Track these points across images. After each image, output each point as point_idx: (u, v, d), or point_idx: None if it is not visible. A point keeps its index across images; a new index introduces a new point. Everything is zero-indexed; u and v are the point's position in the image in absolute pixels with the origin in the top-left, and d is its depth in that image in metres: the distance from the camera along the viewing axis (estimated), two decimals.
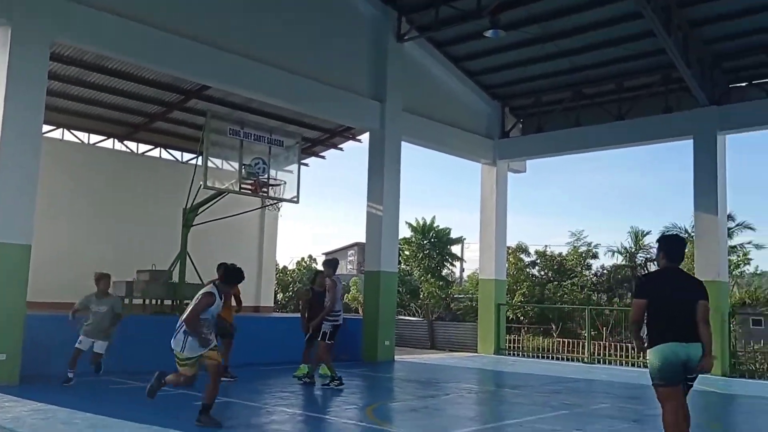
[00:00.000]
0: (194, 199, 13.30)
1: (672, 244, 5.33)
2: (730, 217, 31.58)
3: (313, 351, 9.95)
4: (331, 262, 10.38)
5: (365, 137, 16.11)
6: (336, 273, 10.08)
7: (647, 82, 15.31)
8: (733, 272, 29.00)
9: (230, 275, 6.90)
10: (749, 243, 33.03)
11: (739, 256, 30.54)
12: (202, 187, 12.63)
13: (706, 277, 13.97)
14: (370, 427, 7.18)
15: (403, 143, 15.07)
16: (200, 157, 13.41)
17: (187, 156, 20.52)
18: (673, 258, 5.24)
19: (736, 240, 32.63)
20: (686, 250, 5.45)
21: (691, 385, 5.06)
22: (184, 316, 6.54)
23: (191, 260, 13.23)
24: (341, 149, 21.10)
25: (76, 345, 9.02)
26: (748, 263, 31.42)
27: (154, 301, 13.48)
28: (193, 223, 13.52)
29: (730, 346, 15.16)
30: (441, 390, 10.06)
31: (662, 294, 5.10)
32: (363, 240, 15.16)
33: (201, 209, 13.45)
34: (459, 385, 11.03)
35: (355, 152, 33.95)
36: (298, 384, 9.78)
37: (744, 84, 14.41)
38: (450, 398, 9.06)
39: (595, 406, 9.27)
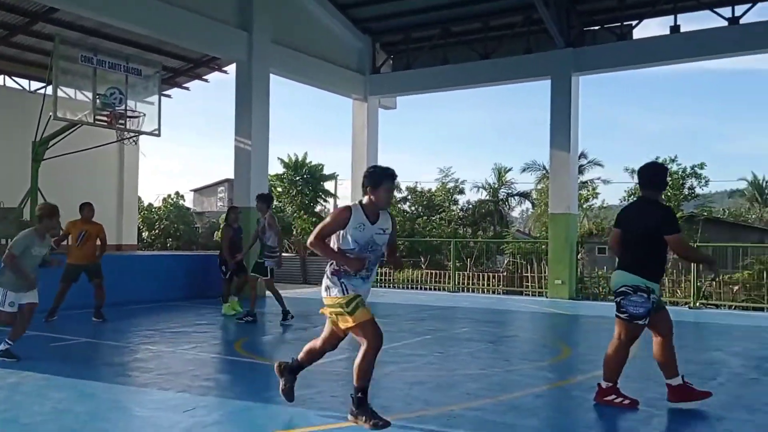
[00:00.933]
0: (44, 131, 12.35)
1: (640, 171, 5.22)
2: (582, 155, 34.01)
3: (233, 288, 10.87)
4: (265, 197, 10.12)
5: (232, 69, 15.53)
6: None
7: (511, 22, 15.81)
8: (583, 206, 31.40)
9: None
10: (598, 179, 35.83)
11: (588, 191, 33.03)
12: (52, 118, 11.74)
13: (559, 210, 15.07)
14: (238, 360, 7.23)
15: (272, 76, 14.70)
16: (50, 86, 12.41)
17: (35, 85, 19.00)
18: (641, 184, 5.17)
19: (586, 176, 35.27)
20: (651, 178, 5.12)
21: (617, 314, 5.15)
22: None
23: (42, 196, 12.38)
24: (207, 81, 20.26)
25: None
26: (597, 197, 34.12)
27: (3, 241, 12.56)
28: (44, 157, 12.61)
29: (578, 272, 16.49)
30: (312, 323, 10.25)
31: (624, 224, 5.19)
32: (232, 176, 14.84)
33: (52, 142, 12.54)
34: None
35: (223, 84, 32.73)
36: (208, 323, 9.79)
37: (597, 27, 15.27)
38: (320, 330, 9.27)
39: (457, 330, 9.86)
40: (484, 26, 16.17)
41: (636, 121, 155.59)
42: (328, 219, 4.63)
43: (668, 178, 5.42)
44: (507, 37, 15.86)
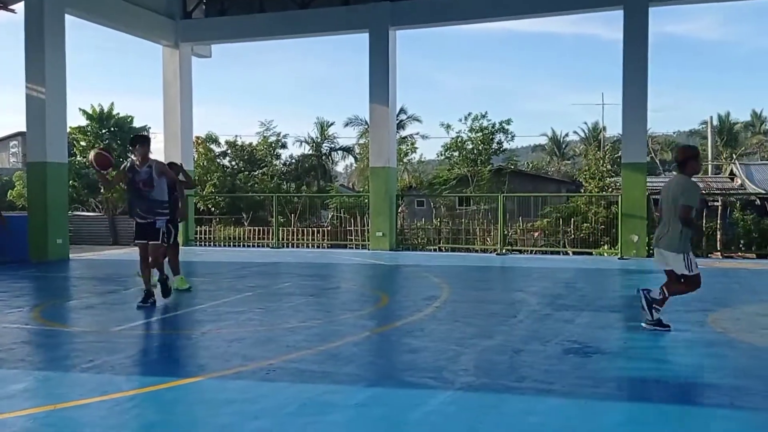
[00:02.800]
0: None
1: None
2: (401, 110, 35.06)
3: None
4: (142, 138, 7.97)
5: (20, 8, 13.77)
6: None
7: None
8: (403, 160, 32.50)
9: None
10: (417, 134, 37.19)
11: (408, 146, 34.19)
12: None
13: (379, 163, 15.38)
14: (37, 328, 6.58)
15: (70, 18, 13.28)
16: None
17: None
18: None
19: (407, 131, 36.48)
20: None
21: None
22: None
23: None
24: None
25: None
26: (415, 151, 35.44)
27: None
28: None
29: (398, 224, 17.08)
30: (122, 285, 9.62)
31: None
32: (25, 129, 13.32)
33: None
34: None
35: (12, 25, 29.12)
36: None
37: None
38: (131, 292, 8.72)
39: (278, 286, 9.78)
40: None
41: (451, 79, 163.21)
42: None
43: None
44: None
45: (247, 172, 33.90)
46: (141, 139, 7.71)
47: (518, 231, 22.86)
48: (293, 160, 37.89)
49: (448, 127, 30.48)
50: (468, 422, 3.79)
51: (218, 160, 33.95)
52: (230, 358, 5.18)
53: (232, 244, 21.16)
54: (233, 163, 35.23)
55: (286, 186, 34.88)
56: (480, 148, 29.79)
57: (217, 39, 17.16)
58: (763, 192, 26.08)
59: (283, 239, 19.41)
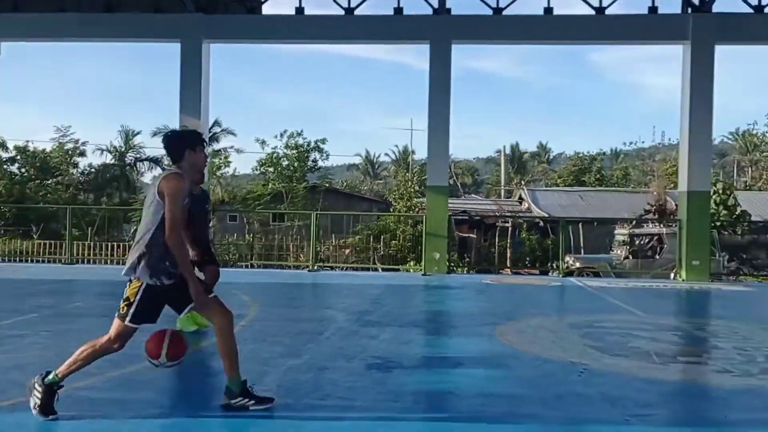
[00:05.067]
0: None
1: None
2: (216, 123, 34.15)
3: None
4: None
5: None
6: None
7: None
8: (216, 173, 31.66)
9: None
10: (231, 147, 36.44)
11: (221, 159, 33.37)
12: None
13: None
14: None
15: None
16: None
17: None
18: None
19: (221, 144, 35.58)
20: None
21: None
22: None
23: None
24: None
25: None
26: (229, 165, 34.69)
27: None
28: None
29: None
30: None
31: None
32: None
33: None
34: None
35: None
36: None
37: None
38: None
39: (69, 305, 9.00)
40: None
41: (266, 95, 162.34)
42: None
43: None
44: None
45: (38, 181, 30.93)
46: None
47: (331, 248, 23.24)
48: (93, 170, 35.25)
49: (264, 142, 30.28)
50: None
51: (5, 167, 30.62)
52: (7, 388, 4.67)
53: (18, 259, 19.13)
54: (23, 170, 31.97)
55: (84, 197, 32.34)
56: (295, 165, 29.94)
57: (4, 37, 15.50)
58: (546, 215, 29.03)
59: (77, 254, 17.93)
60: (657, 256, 20.38)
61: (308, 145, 30.11)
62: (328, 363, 5.65)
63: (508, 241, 25.91)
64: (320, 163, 31.69)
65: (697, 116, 13.93)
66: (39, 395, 4.07)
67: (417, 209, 26.09)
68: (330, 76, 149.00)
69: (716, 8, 14.08)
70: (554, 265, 18.35)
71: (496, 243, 25.66)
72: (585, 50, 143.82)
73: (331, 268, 17.01)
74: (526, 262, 24.23)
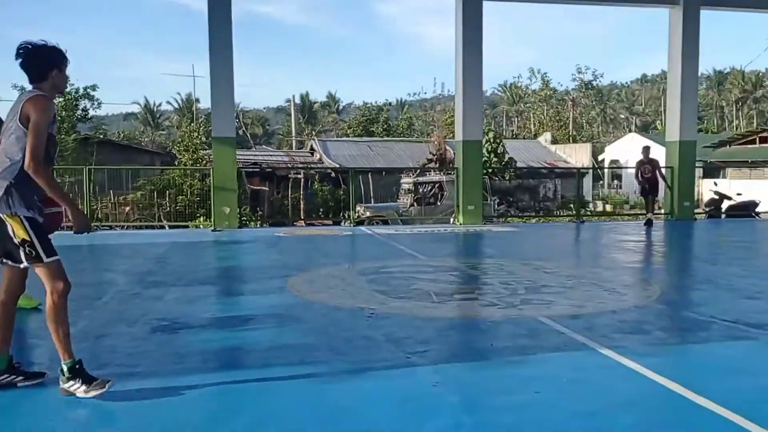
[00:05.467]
0: None
1: None
2: None
3: None
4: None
5: None
6: None
7: None
8: None
9: None
10: None
11: None
12: None
13: None
14: None
15: None
16: None
17: None
18: None
19: None
20: None
21: None
22: None
23: None
24: None
25: None
26: None
27: None
28: None
29: None
30: None
31: None
32: None
33: None
34: None
35: None
36: None
37: None
38: None
39: None
40: None
41: (15, 32, 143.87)
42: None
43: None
44: None
45: None
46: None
47: (109, 205, 21.62)
48: None
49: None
50: (34, 419, 3.44)
51: None
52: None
53: None
54: None
55: None
56: (63, 114, 27.11)
57: None
58: (338, 166, 29.65)
59: None
60: (438, 203, 21.88)
61: (76, 92, 27.35)
62: (106, 329, 5.27)
63: (301, 192, 26.12)
64: (92, 112, 29.00)
65: (469, 69, 14.92)
66: (77, 383, 3.72)
67: (204, 162, 25.14)
68: (93, 13, 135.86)
69: None
70: (346, 215, 18.87)
71: (290, 195, 25.73)
72: (371, 0, 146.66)
73: (110, 227, 15.82)
74: (320, 213, 24.65)
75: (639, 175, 14.67)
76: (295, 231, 14.86)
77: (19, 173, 3.61)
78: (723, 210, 18.88)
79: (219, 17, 13.57)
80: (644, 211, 15.06)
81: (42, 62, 3.71)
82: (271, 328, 5.45)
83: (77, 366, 3.77)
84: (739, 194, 20.23)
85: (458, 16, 14.96)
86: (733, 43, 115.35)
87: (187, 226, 17.99)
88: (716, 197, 19.12)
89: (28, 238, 3.64)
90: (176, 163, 28.68)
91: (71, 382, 3.74)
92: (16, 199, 3.62)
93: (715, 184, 22.43)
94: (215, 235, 12.96)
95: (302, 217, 23.50)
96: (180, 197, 22.60)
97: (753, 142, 35.79)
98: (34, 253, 3.65)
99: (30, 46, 3.72)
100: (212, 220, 14.05)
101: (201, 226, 17.97)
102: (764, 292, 6.83)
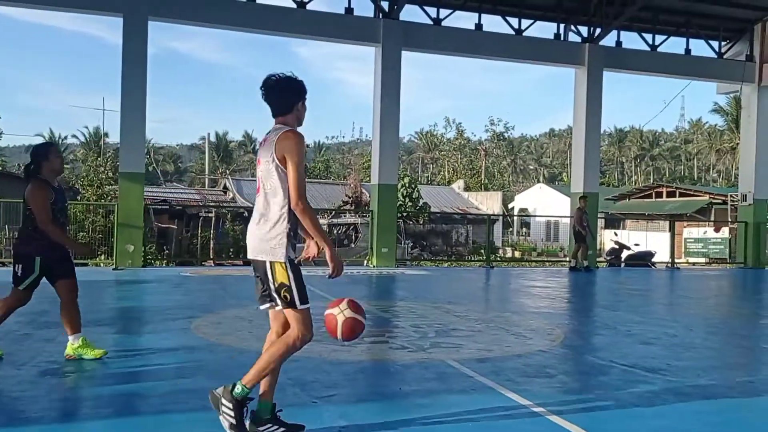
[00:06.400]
0: None
1: None
2: None
3: None
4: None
5: None
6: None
7: None
8: None
9: None
10: None
11: None
12: None
13: None
14: None
15: None
16: None
17: None
18: None
19: None
20: None
21: None
22: None
23: None
24: None
25: None
26: None
27: None
28: None
29: None
30: None
31: None
32: None
33: None
34: None
35: None
36: None
37: None
38: None
39: None
40: None
41: None
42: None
43: None
44: None
45: None
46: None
47: (3, 241, 20.31)
48: None
49: None
50: None
51: None
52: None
53: None
54: None
55: None
56: None
57: None
58: (251, 205, 29.22)
59: None
60: (353, 244, 21.89)
61: None
62: None
63: (212, 231, 25.48)
64: None
65: (387, 115, 15.20)
66: (231, 413, 3.52)
67: (110, 197, 24.16)
68: (8, 41, 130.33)
69: (403, 17, 15.50)
70: None
71: (199, 234, 25.04)
72: (290, 42, 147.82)
73: (2, 264, 14.80)
74: (230, 253, 24.07)
75: (579, 223, 15.34)
76: (203, 271, 14.42)
77: (289, 213, 3.54)
78: (623, 259, 19.83)
79: (134, 52, 13.26)
80: (551, 259, 15.60)
81: (292, 94, 3.65)
82: (172, 373, 5.19)
83: (247, 399, 3.59)
84: (636, 245, 21.37)
85: (377, 63, 15.28)
86: (633, 104, 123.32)
87: (86, 264, 17.11)
88: (616, 247, 20.07)
89: (287, 283, 3.53)
90: (79, 198, 27.40)
91: (224, 408, 3.57)
92: (286, 244, 3.54)
93: (616, 234, 23.62)
94: (117, 274, 12.38)
95: (212, 257, 22.86)
96: (82, 234, 21.54)
97: (650, 196, 38.00)
98: (289, 297, 3.53)
99: (282, 78, 3.63)
100: (114, 258, 13.43)
101: (102, 265, 17.15)
102: (659, 338, 7.14)
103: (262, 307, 3.72)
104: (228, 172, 43.73)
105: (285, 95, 3.65)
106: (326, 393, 4.61)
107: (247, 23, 14.59)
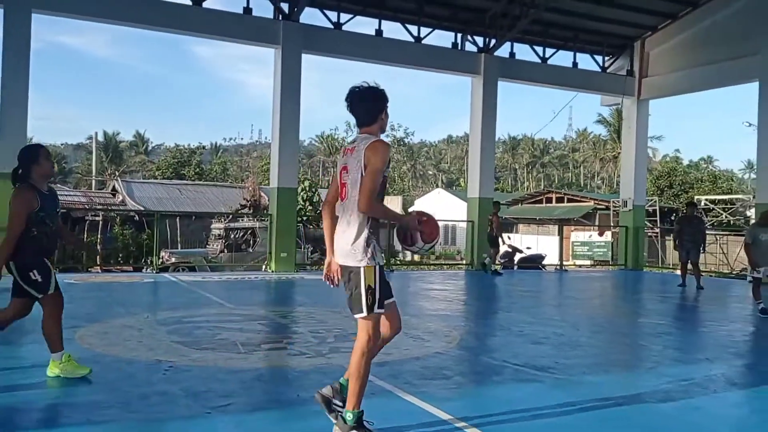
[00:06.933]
0: None
1: None
2: None
3: None
4: None
5: None
6: None
7: None
8: None
9: None
10: None
11: None
12: None
13: None
14: None
15: None
16: None
17: None
18: None
19: None
20: None
21: None
22: None
23: None
24: None
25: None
26: None
27: None
28: None
29: None
30: None
31: None
32: None
33: None
34: None
35: None
36: None
37: None
38: None
39: None
40: None
41: None
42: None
43: None
44: None
45: None
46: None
47: None
48: None
49: None
50: None
51: None
52: None
53: None
54: None
55: None
56: None
57: None
58: (142, 208, 28.05)
59: None
60: (250, 249, 21.44)
61: None
62: None
63: (99, 236, 24.23)
64: None
65: (287, 117, 15.02)
66: None
67: None
68: None
69: (304, 20, 15.35)
70: (149, 261, 17.77)
71: (85, 238, 23.74)
72: (187, 41, 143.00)
73: None
74: (119, 259, 22.97)
75: (498, 228, 15.80)
76: (89, 278, 13.66)
77: (372, 219, 3.64)
78: (515, 262, 20.57)
79: (15, 45, 12.41)
80: (448, 262, 15.97)
81: (377, 105, 3.72)
82: (54, 385, 4.87)
83: (361, 418, 3.69)
84: (528, 248, 22.25)
85: (277, 65, 15.07)
86: (525, 113, 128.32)
87: None
88: (509, 250, 20.81)
89: (373, 286, 3.62)
90: None
91: None
92: (373, 248, 3.65)
93: (509, 238, 24.48)
94: None
95: (99, 263, 21.72)
96: None
97: (540, 201, 39.73)
98: (371, 301, 3.61)
99: (366, 90, 3.68)
100: None
101: None
102: (549, 337, 7.45)
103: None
104: (117, 173, 41.75)
105: (369, 107, 3.74)
106: (221, 402, 4.46)
107: (137, 18, 13.96)
